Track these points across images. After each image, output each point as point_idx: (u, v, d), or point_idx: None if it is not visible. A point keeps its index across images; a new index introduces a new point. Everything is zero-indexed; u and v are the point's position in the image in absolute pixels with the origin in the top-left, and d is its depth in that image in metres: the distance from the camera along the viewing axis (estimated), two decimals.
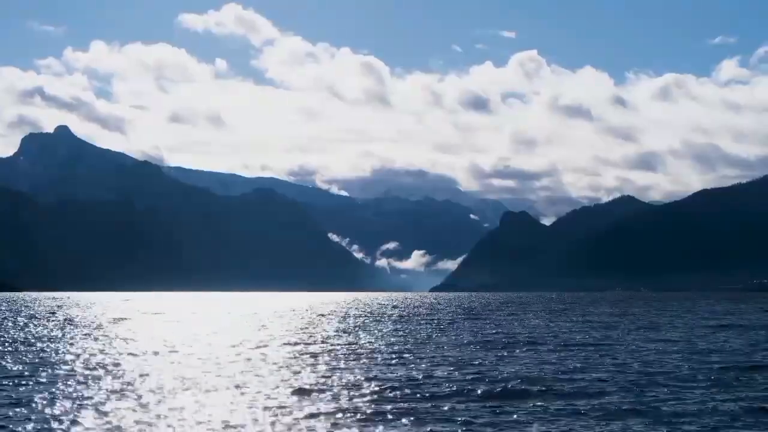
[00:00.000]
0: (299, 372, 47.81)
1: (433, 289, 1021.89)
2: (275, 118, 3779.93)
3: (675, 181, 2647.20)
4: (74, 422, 32.47)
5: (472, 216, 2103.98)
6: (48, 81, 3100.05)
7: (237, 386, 41.70)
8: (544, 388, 41.29)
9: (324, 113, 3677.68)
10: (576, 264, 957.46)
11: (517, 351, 63.14)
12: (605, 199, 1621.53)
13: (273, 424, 32.44)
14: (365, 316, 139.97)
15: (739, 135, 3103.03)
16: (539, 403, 37.23)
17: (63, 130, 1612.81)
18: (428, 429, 31.93)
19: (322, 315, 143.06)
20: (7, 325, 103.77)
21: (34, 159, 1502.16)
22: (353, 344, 69.59)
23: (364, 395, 39.03)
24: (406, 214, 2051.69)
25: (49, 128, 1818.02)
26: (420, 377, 45.34)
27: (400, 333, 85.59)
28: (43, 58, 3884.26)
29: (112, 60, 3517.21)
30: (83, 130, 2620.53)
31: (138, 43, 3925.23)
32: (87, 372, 47.56)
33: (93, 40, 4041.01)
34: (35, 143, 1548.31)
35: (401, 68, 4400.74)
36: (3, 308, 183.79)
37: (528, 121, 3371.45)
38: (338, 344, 69.53)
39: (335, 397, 38.39)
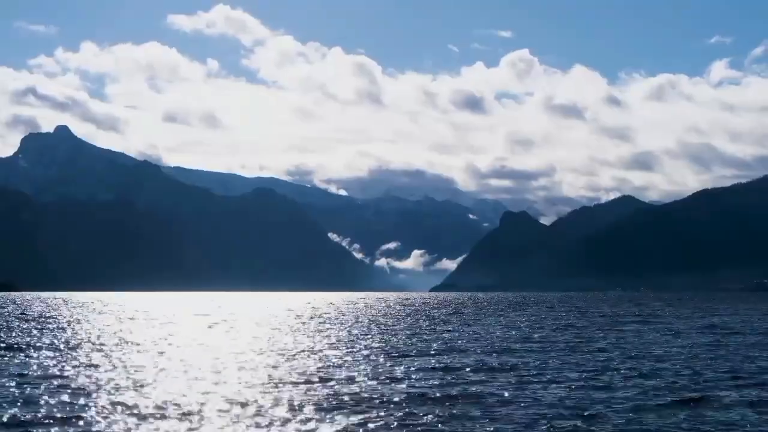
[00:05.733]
0: None
1: (433, 289, 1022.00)
2: (270, 118, 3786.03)
3: (671, 181, 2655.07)
4: None
5: (471, 216, 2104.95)
6: (41, 81, 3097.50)
7: None
8: None
9: (318, 113, 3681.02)
10: (576, 264, 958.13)
11: None
12: (603, 198, 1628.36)
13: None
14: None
15: (734, 135, 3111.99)
16: None
17: (63, 130, 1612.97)
18: None
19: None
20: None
21: (33, 159, 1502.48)
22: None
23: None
24: (405, 214, 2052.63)
25: (45, 128, 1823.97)
26: None
27: None
28: (34, 57, 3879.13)
29: (104, 60, 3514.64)
30: (79, 130, 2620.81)
31: (128, 44, 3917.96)
32: None
33: (83, 41, 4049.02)
34: (35, 143, 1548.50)
35: (393, 68, 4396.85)
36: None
37: (523, 121, 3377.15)
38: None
39: None
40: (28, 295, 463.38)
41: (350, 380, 44.43)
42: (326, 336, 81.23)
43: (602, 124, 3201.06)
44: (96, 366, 50.68)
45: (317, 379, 44.53)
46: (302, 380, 44.15)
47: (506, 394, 39.80)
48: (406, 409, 35.42)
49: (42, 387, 41.32)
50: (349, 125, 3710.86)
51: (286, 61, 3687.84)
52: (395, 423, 32.71)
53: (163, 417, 33.34)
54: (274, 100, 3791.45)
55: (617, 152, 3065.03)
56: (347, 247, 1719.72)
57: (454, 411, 35.38)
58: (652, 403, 37.81)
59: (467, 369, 50.17)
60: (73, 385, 41.76)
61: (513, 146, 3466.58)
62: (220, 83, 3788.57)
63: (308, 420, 33.09)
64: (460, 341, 73.71)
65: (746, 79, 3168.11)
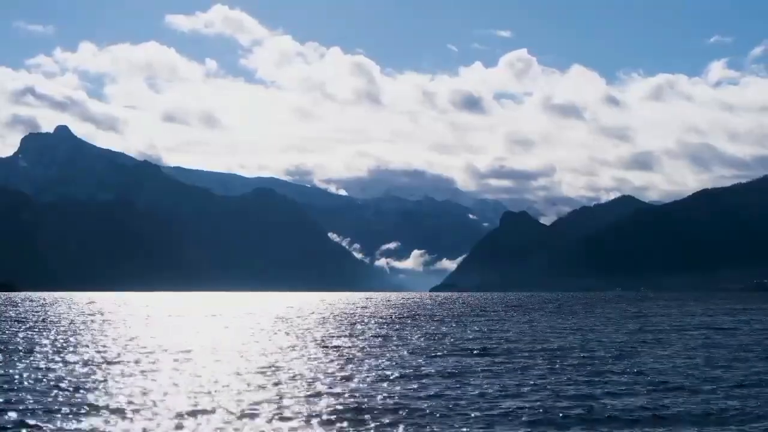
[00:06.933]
0: None
1: (433, 289, 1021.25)
2: (269, 118, 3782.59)
3: (671, 181, 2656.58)
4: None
5: (471, 216, 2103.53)
6: (39, 81, 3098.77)
7: None
8: None
9: (317, 113, 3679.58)
10: (576, 264, 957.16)
11: None
12: (603, 198, 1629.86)
13: None
14: None
15: (733, 135, 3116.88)
16: None
17: (63, 131, 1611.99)
18: None
19: None
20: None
21: (33, 159, 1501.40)
22: None
23: None
24: (405, 214, 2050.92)
25: (44, 128, 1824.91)
26: None
27: None
28: (32, 57, 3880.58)
29: (102, 60, 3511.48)
30: (79, 130, 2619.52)
31: (127, 44, 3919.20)
32: None
33: (81, 41, 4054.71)
34: (35, 143, 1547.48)
35: (391, 68, 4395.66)
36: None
37: (522, 121, 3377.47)
38: None
39: None
40: (28, 295, 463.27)
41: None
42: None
43: (601, 124, 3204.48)
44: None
45: None
46: None
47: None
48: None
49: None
50: (348, 125, 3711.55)
51: (285, 61, 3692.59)
52: None
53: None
54: (272, 100, 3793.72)
55: (617, 152, 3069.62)
56: (347, 247, 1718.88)
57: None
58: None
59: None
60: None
61: (512, 146, 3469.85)
62: (219, 83, 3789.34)
63: None
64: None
65: (745, 79, 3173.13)
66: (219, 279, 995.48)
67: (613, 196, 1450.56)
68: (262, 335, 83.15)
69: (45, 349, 64.92)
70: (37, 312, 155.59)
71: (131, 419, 33.28)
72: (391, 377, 46.82)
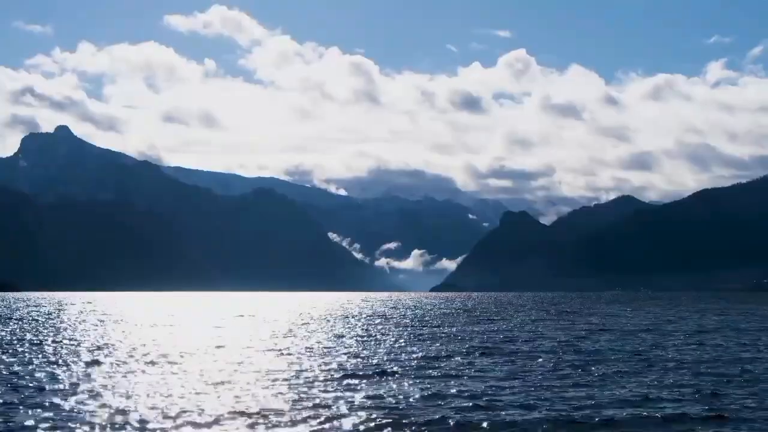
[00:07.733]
0: None
1: (433, 289, 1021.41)
2: (268, 118, 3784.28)
3: (670, 181, 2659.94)
4: None
5: (471, 216, 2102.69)
6: (38, 81, 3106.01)
7: None
8: None
9: (316, 113, 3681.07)
10: (576, 264, 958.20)
11: None
12: (603, 198, 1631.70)
13: None
14: None
15: (731, 135, 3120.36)
16: None
17: (63, 130, 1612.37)
18: None
19: None
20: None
21: (34, 159, 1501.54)
22: None
23: None
24: (405, 214, 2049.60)
25: (43, 128, 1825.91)
26: None
27: None
28: (31, 57, 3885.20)
29: (101, 60, 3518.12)
30: (78, 130, 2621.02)
31: (125, 44, 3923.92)
32: None
33: (80, 41, 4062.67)
34: (35, 143, 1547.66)
35: (390, 68, 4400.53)
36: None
37: (521, 121, 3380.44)
38: None
39: None
40: (27, 295, 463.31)
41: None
42: None
43: (600, 123, 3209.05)
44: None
45: None
46: None
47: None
48: None
49: None
50: (347, 125, 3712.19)
51: (284, 61, 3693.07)
52: None
53: None
54: (272, 100, 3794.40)
55: (616, 152, 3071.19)
56: (347, 247, 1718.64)
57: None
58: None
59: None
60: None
61: (511, 146, 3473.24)
62: (218, 83, 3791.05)
63: None
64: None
65: (743, 79, 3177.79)
66: (219, 279, 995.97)
67: (612, 196, 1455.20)
68: (264, 336, 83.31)
69: (23, 348, 65.04)
70: (32, 312, 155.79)
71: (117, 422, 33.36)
72: (392, 378, 46.91)
